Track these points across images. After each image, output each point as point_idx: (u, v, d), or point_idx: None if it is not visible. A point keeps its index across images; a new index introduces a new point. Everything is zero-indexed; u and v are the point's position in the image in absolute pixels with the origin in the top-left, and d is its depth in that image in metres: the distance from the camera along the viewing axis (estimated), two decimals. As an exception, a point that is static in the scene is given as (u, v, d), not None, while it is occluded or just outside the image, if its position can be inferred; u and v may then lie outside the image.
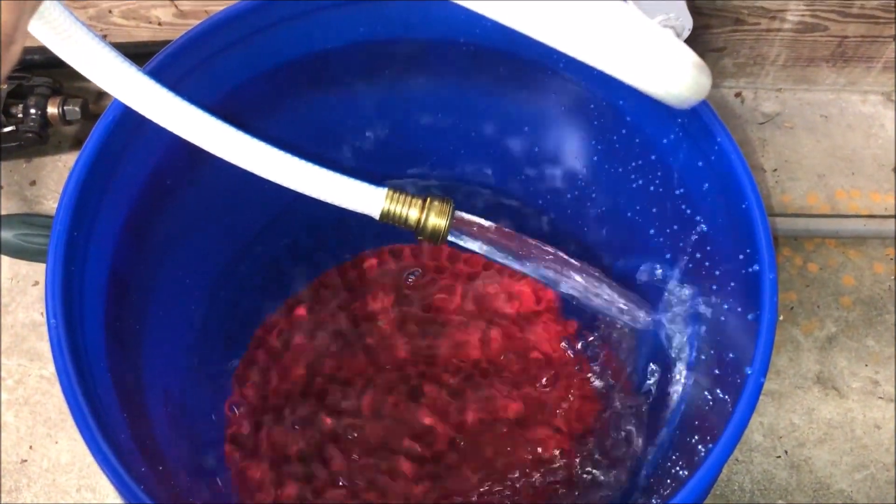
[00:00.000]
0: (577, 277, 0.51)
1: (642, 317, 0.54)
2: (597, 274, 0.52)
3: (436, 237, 0.46)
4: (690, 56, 0.39)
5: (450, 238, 0.47)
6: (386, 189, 0.44)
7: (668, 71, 0.39)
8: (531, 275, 0.51)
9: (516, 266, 0.50)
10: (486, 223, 0.48)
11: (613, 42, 0.37)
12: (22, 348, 0.70)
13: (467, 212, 0.48)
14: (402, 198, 0.44)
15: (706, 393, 0.47)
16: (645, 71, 0.38)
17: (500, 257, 0.49)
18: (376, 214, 0.44)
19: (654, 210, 0.53)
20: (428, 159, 0.62)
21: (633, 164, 0.53)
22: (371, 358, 0.64)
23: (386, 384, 0.62)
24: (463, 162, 0.62)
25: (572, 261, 0.52)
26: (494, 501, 0.58)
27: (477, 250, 0.49)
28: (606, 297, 0.52)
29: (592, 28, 0.37)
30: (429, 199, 0.45)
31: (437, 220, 0.45)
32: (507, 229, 0.50)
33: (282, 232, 0.63)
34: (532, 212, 0.63)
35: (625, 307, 0.53)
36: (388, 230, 0.66)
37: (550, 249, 0.51)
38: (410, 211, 0.45)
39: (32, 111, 0.73)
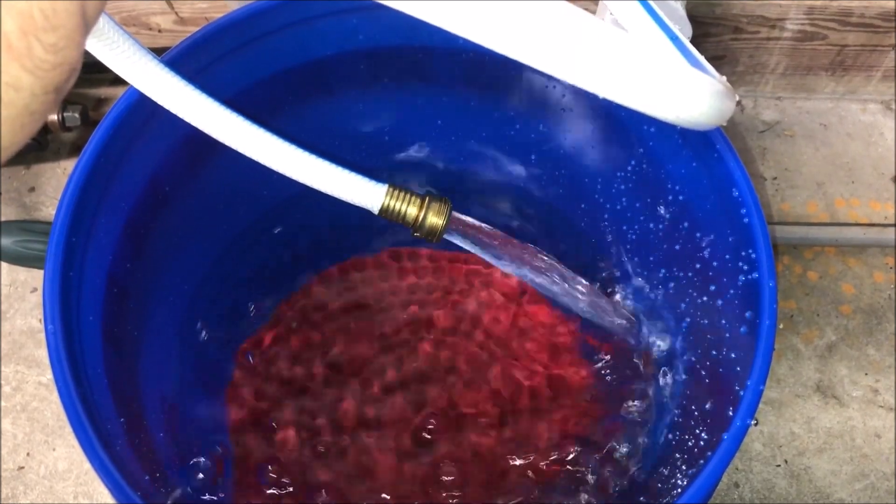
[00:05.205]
0: (566, 286, 0.52)
1: (628, 327, 0.55)
2: (584, 284, 0.53)
3: (432, 235, 0.47)
4: (709, 86, 0.36)
5: (445, 237, 0.47)
6: (387, 185, 0.45)
7: (686, 107, 0.35)
8: (521, 278, 0.52)
9: (507, 268, 0.51)
10: (482, 225, 0.49)
11: (630, 81, 0.34)
12: (20, 355, 0.70)
13: (464, 214, 0.48)
14: (401, 195, 0.45)
15: (705, 401, 0.47)
16: (665, 108, 0.35)
17: (492, 259, 0.50)
18: (376, 209, 0.45)
19: (653, 217, 0.53)
20: (430, 164, 0.62)
21: (631, 171, 0.53)
22: (371, 365, 0.64)
23: (391, 411, 0.62)
24: (464, 168, 0.62)
25: (562, 268, 0.52)
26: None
27: (470, 250, 0.50)
28: (594, 307, 0.53)
29: (612, 68, 0.34)
30: (427, 199, 0.46)
31: (434, 218, 0.46)
32: (500, 232, 0.50)
33: (278, 237, 0.63)
34: (528, 216, 0.64)
35: (611, 318, 0.54)
36: (383, 237, 0.67)
37: (544, 256, 0.52)
38: (409, 208, 0.45)
39: (32, 117, 0.72)
